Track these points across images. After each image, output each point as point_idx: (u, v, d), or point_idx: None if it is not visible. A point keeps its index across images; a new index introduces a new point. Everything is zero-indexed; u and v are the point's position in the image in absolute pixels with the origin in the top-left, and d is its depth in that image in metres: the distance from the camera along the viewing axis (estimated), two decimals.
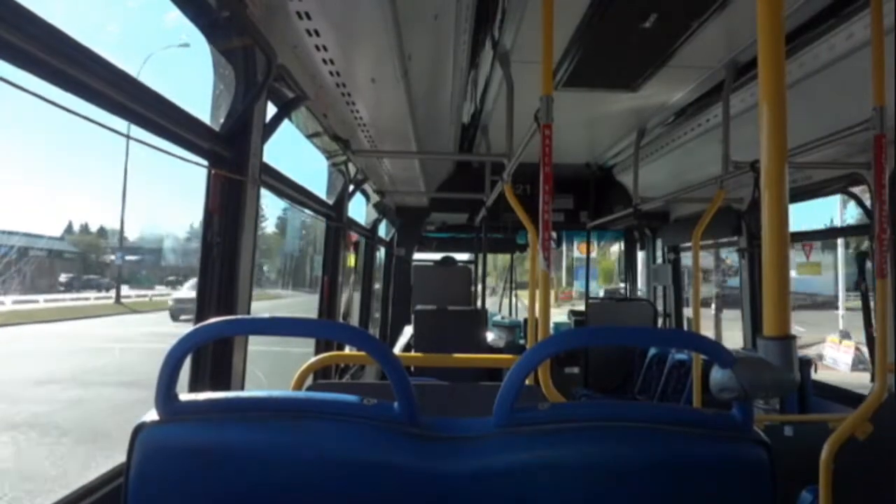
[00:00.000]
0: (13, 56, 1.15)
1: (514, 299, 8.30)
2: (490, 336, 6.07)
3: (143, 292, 15.38)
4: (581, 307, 6.95)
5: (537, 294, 2.31)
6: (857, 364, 11.27)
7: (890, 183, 2.14)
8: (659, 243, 6.18)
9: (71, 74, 1.29)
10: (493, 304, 8.92)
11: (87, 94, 1.36)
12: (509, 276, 8.45)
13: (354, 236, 4.61)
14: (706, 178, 3.53)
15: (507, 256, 8.02)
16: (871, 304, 2.89)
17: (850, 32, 2.26)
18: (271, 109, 2.29)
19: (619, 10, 2.34)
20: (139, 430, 1.01)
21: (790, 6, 2.27)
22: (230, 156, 2.02)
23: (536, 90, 2.05)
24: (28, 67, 1.19)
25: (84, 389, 8.82)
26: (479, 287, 6.31)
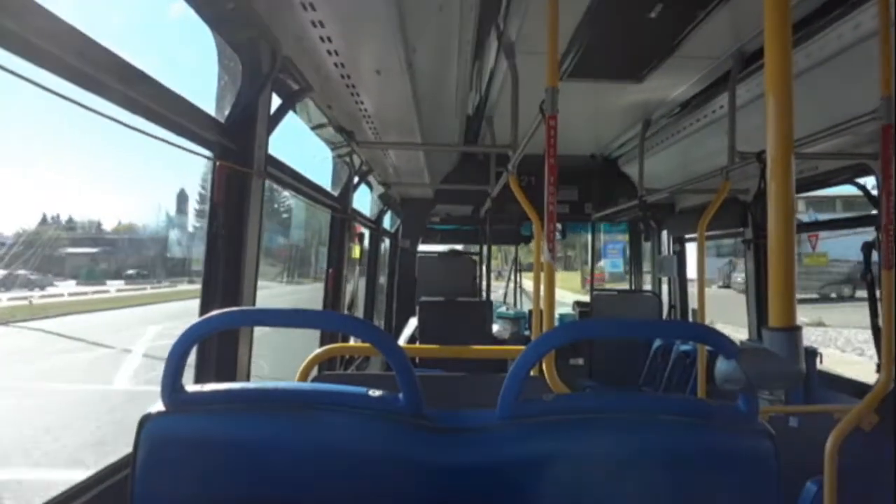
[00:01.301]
0: (16, 46, 1.15)
1: (518, 292, 8.29)
2: (495, 328, 6.07)
3: (86, 289, 13.55)
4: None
5: (542, 285, 2.31)
6: None
7: None
8: (664, 235, 6.16)
9: (74, 65, 1.29)
10: (500, 289, 8.87)
11: (90, 85, 1.36)
12: (514, 268, 8.44)
13: (359, 228, 4.61)
14: (712, 168, 3.51)
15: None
16: (877, 294, 2.88)
17: (857, 22, 2.24)
18: (276, 101, 2.30)
19: (625, 0, 2.33)
20: (145, 421, 1.02)
21: None
22: (235, 148, 2.03)
23: (541, 81, 2.04)
24: (30, 57, 1.19)
25: None
26: (484, 278, 6.31)
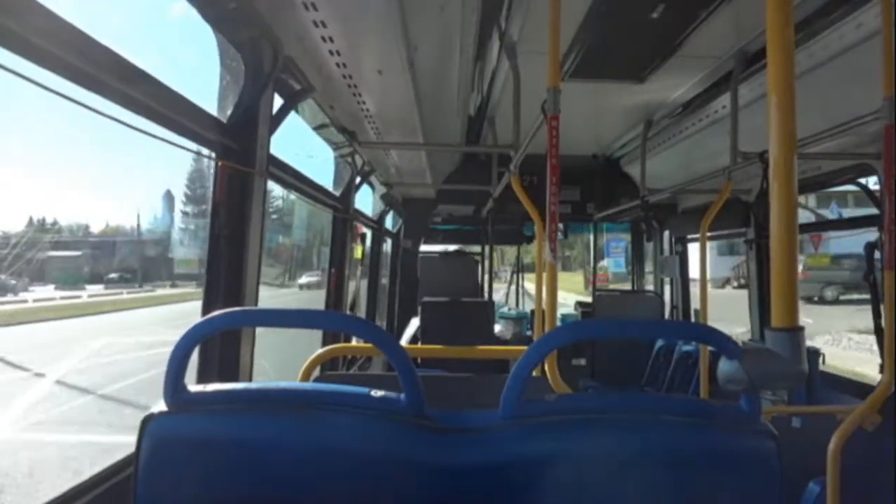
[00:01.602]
0: (17, 45, 1.15)
1: (520, 292, 8.28)
2: (497, 328, 6.06)
3: (57, 294, 12.32)
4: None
5: (543, 285, 2.31)
6: None
7: None
8: (666, 235, 6.15)
9: (76, 65, 1.30)
10: (499, 290, 8.80)
11: (92, 85, 1.36)
12: (516, 268, 8.43)
13: (361, 228, 4.61)
14: (714, 169, 3.51)
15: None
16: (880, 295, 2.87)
17: (859, 22, 2.24)
18: (278, 101, 2.30)
19: (627, 0, 2.33)
20: (148, 420, 1.02)
21: None
22: (237, 147, 2.03)
23: (543, 81, 2.04)
24: (32, 57, 1.19)
25: None
26: (486, 279, 6.30)
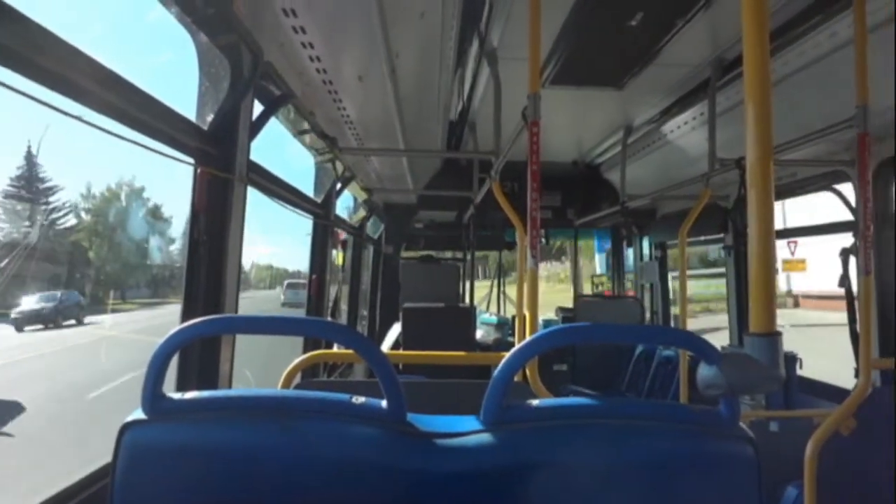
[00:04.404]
0: None
1: (502, 298, 8.29)
2: (479, 333, 6.06)
3: None
4: None
5: (525, 291, 2.31)
6: None
7: (873, 180, 2.17)
8: (646, 241, 6.20)
9: (51, 70, 1.28)
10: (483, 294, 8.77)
11: (68, 90, 1.34)
12: (498, 275, 8.44)
13: (342, 234, 4.59)
14: (693, 175, 3.55)
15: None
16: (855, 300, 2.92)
17: (833, 31, 2.28)
18: (258, 107, 2.28)
19: (606, 7, 2.35)
20: (125, 429, 1.00)
21: (775, 4, 2.28)
22: (217, 154, 2.01)
23: (524, 88, 2.05)
24: (8, 63, 1.17)
25: None
26: (468, 285, 6.30)
